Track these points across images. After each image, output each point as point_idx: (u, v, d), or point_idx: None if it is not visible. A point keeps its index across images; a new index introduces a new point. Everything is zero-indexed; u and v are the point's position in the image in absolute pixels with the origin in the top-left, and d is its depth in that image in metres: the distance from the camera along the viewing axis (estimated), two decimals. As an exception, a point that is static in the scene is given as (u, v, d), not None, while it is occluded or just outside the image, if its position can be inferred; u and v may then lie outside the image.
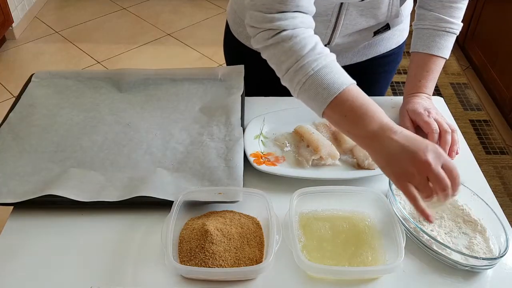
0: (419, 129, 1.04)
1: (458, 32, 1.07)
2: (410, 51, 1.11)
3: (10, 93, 2.73)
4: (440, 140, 1.01)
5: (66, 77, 1.16)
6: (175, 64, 2.97)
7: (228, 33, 1.25)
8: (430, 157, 0.71)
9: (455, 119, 1.13)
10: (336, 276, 0.78)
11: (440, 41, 1.06)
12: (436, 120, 1.02)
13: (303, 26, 0.83)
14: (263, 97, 1.17)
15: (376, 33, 1.11)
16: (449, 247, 0.78)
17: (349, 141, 0.98)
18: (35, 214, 0.87)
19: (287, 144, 1.01)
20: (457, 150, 1.01)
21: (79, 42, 3.21)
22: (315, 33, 1.05)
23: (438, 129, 1.01)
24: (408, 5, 1.13)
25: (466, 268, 0.78)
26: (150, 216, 0.86)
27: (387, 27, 1.11)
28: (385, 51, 1.19)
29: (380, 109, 0.78)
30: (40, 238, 0.83)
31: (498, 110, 2.64)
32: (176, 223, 0.80)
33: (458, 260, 0.78)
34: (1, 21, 2.91)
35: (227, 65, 1.31)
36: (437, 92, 2.75)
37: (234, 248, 0.78)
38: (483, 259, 0.78)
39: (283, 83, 0.85)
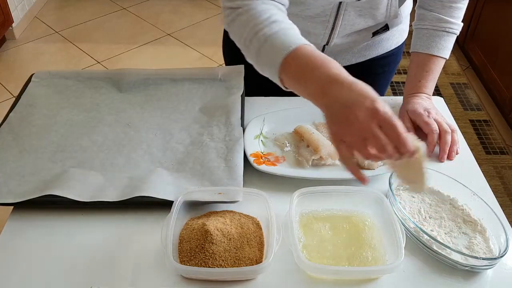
0: (419, 129, 1.04)
1: (458, 32, 1.07)
2: (410, 51, 1.11)
3: (10, 93, 2.73)
4: (440, 140, 1.01)
5: (66, 77, 1.16)
6: (175, 64, 2.97)
7: (226, 33, 1.25)
8: (360, 116, 0.65)
9: (455, 119, 1.13)
10: (336, 276, 0.78)
11: (440, 41, 1.06)
12: (436, 120, 1.02)
13: (265, 2, 0.83)
14: (263, 97, 1.17)
15: (375, 33, 1.11)
16: (449, 247, 0.78)
17: (349, 141, 0.98)
18: (35, 214, 0.87)
19: (287, 144, 1.01)
20: (457, 150, 1.02)
21: (79, 42, 3.21)
22: (314, 34, 1.05)
23: (438, 129, 1.01)
24: (408, 5, 1.13)
25: (466, 268, 0.78)
26: (150, 216, 0.86)
27: (386, 27, 1.11)
28: (384, 52, 1.19)
29: (332, 62, 0.72)
30: (40, 238, 0.83)
31: (498, 110, 2.64)
32: (176, 223, 0.80)
33: (458, 260, 0.78)
34: (1, 21, 2.91)
35: (226, 65, 1.31)
36: (437, 92, 2.75)
37: (234, 248, 0.78)
38: (483, 259, 0.78)
39: (246, 56, 0.83)
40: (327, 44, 1.09)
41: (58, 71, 1.18)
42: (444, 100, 1.20)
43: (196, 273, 0.75)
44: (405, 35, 1.22)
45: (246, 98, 1.13)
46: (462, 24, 1.07)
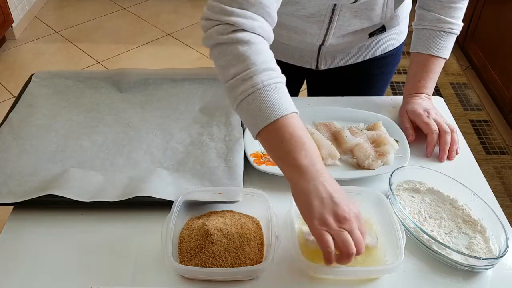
0: (419, 129, 1.04)
1: (458, 32, 1.07)
2: (410, 51, 1.11)
3: (10, 93, 2.73)
4: (440, 140, 1.01)
5: (66, 77, 1.17)
6: (175, 64, 2.97)
7: None
8: (352, 217, 0.69)
9: (455, 119, 1.13)
10: (336, 276, 0.78)
11: (439, 41, 1.06)
12: (435, 121, 1.02)
13: (261, 34, 0.78)
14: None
15: (372, 34, 1.11)
16: (449, 247, 0.78)
17: (349, 141, 0.98)
18: (35, 214, 0.87)
19: (287, 144, 1.01)
20: (457, 150, 1.02)
21: (79, 42, 3.20)
22: (309, 33, 1.05)
23: (437, 129, 1.01)
24: (406, 7, 1.13)
25: (466, 268, 0.78)
26: (150, 216, 0.86)
27: (382, 29, 1.10)
28: (381, 53, 1.19)
29: (316, 148, 0.74)
30: (40, 238, 0.83)
31: (498, 110, 2.64)
32: (176, 223, 0.80)
33: (458, 260, 0.78)
34: (1, 21, 2.91)
35: None
36: (437, 92, 2.75)
37: (234, 248, 0.78)
38: (483, 259, 0.78)
39: (224, 89, 0.79)
40: (322, 44, 1.09)
41: (58, 71, 1.18)
42: (444, 100, 1.20)
43: (196, 273, 0.75)
44: (403, 37, 1.22)
45: (246, 98, 1.12)
46: (462, 24, 1.07)
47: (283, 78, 0.77)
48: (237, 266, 0.76)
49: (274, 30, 1.08)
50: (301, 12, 0.99)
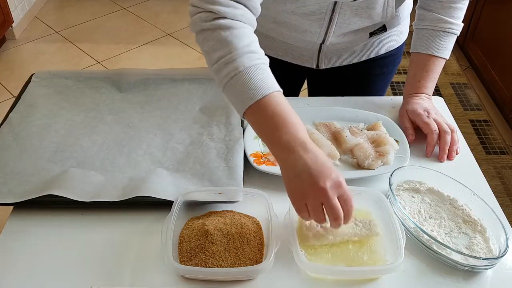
0: (419, 129, 1.04)
1: (458, 33, 1.07)
2: (410, 51, 1.11)
3: (10, 93, 2.73)
4: (440, 140, 1.01)
5: (66, 77, 1.17)
6: (175, 64, 2.97)
7: None
8: (328, 185, 0.71)
9: (455, 119, 1.13)
10: (336, 276, 0.78)
11: (439, 41, 1.06)
12: (435, 121, 1.02)
13: (242, 20, 0.81)
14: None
15: (372, 34, 1.11)
16: (449, 247, 0.78)
17: (349, 141, 0.98)
18: (35, 214, 0.87)
19: (287, 144, 1.01)
20: (457, 150, 1.02)
21: (79, 42, 3.20)
22: (310, 31, 1.05)
23: (437, 129, 1.01)
24: (407, 7, 1.12)
25: (466, 268, 0.78)
26: (150, 216, 0.86)
27: (383, 28, 1.10)
28: (382, 53, 1.19)
29: (300, 123, 0.76)
30: (40, 238, 0.83)
31: (498, 110, 2.64)
32: (176, 223, 0.80)
33: (458, 260, 0.78)
34: (1, 21, 2.91)
35: None
36: (437, 92, 2.75)
37: (234, 248, 0.78)
38: (483, 259, 0.78)
39: (211, 72, 0.82)
40: (323, 42, 1.09)
41: (58, 71, 1.18)
42: (444, 100, 1.20)
43: (196, 273, 0.75)
44: (404, 37, 1.22)
45: (246, 98, 1.12)
46: (462, 24, 1.07)
47: (266, 60, 0.80)
48: (237, 266, 0.76)
49: (275, 29, 1.08)
50: (301, 9, 0.99)
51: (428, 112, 1.04)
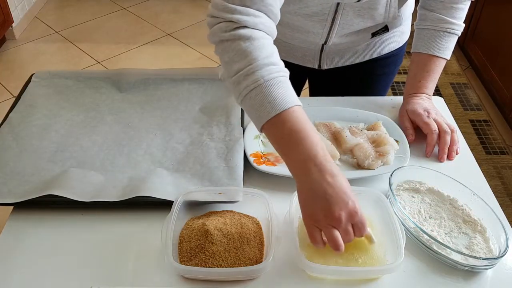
0: (419, 129, 1.04)
1: (459, 33, 1.07)
2: (411, 51, 1.11)
3: (10, 93, 2.73)
4: (439, 140, 1.01)
5: (66, 77, 1.17)
6: (175, 64, 2.97)
7: None
8: (343, 215, 0.69)
9: (455, 119, 1.13)
10: (336, 276, 0.78)
11: (440, 41, 1.06)
12: (435, 121, 1.02)
13: (263, 30, 0.80)
14: (263, 97, 1.17)
15: (374, 34, 1.11)
16: (449, 247, 0.78)
17: (349, 141, 0.98)
18: (35, 214, 0.87)
19: (287, 144, 1.01)
20: (457, 150, 1.02)
21: (79, 42, 3.20)
22: (312, 32, 1.05)
23: (437, 129, 1.01)
24: (409, 7, 1.12)
25: (466, 268, 0.78)
26: (150, 216, 0.86)
27: (385, 29, 1.10)
28: (384, 53, 1.19)
29: (318, 140, 0.74)
30: (40, 238, 0.83)
31: (498, 110, 2.64)
32: (176, 223, 0.80)
33: (458, 260, 0.78)
34: (1, 21, 2.91)
35: None
36: (437, 92, 2.75)
37: (234, 248, 0.78)
38: (483, 259, 0.78)
39: (229, 84, 0.80)
40: (325, 43, 1.09)
41: (58, 71, 1.18)
42: (444, 100, 1.20)
43: (196, 273, 0.75)
44: (406, 37, 1.22)
45: (246, 98, 1.12)
46: (463, 24, 1.07)
47: (286, 72, 0.79)
48: (237, 266, 0.76)
49: (277, 29, 1.08)
50: (304, 10, 1.00)
51: (428, 112, 1.04)
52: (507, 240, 0.79)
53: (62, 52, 3.12)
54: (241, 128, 1.02)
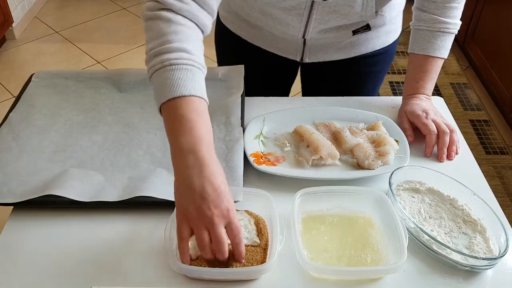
0: (419, 129, 1.04)
1: (456, 31, 1.06)
2: (408, 52, 1.11)
3: (10, 93, 2.73)
4: (438, 141, 1.01)
5: (66, 77, 1.16)
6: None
7: (218, 33, 1.25)
8: (216, 214, 0.68)
9: (455, 119, 1.13)
10: (338, 276, 0.78)
11: (436, 41, 1.06)
12: (434, 121, 1.02)
13: (188, 17, 0.80)
14: (263, 97, 1.17)
15: (356, 32, 1.11)
16: (449, 247, 0.78)
17: (349, 141, 0.98)
18: (35, 214, 0.87)
19: (287, 144, 1.01)
20: (456, 150, 1.02)
21: (79, 42, 3.21)
22: (291, 25, 1.06)
23: (435, 130, 1.01)
24: (394, 7, 1.11)
25: (466, 268, 0.78)
26: (150, 216, 0.86)
27: (367, 27, 1.10)
28: (369, 51, 1.18)
29: (207, 137, 0.73)
30: (40, 238, 0.83)
31: (498, 110, 2.64)
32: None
33: (458, 260, 0.78)
34: (1, 21, 2.91)
35: (218, 64, 1.31)
36: (437, 92, 2.75)
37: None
38: (483, 259, 0.78)
39: (145, 62, 0.81)
40: (303, 37, 1.10)
41: (58, 71, 1.18)
42: (444, 100, 1.20)
43: (200, 273, 0.75)
44: (393, 37, 1.21)
45: (246, 98, 1.13)
46: (460, 22, 1.07)
47: (198, 64, 0.79)
48: (240, 266, 0.76)
49: (262, 19, 1.09)
50: (282, 4, 1.00)
51: (426, 113, 1.04)
52: (507, 240, 0.79)
53: (62, 52, 3.12)
54: (241, 128, 1.02)
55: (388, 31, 1.17)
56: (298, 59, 1.17)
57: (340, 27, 1.07)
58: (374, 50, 1.19)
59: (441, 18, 1.04)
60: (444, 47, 1.07)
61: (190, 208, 0.69)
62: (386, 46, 1.20)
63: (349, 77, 1.24)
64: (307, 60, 1.17)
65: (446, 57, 1.08)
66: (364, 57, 1.19)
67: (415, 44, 1.08)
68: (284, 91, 1.34)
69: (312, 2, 0.99)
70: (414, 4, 1.09)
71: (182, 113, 0.73)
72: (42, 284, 0.76)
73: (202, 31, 0.84)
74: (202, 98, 0.76)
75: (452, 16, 1.05)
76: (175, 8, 0.79)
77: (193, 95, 0.75)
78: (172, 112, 0.74)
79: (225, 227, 0.70)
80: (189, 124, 0.72)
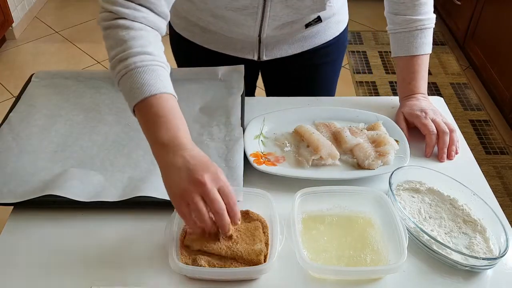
0: (418, 130, 1.04)
1: (432, 25, 1.07)
2: (392, 57, 1.12)
3: (10, 93, 2.73)
4: (438, 141, 1.01)
5: (66, 77, 1.16)
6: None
7: (171, 29, 1.25)
8: (206, 178, 0.70)
9: (455, 119, 1.13)
10: (338, 276, 0.78)
11: (416, 40, 1.06)
12: (433, 121, 1.02)
13: (143, 22, 0.82)
14: (263, 97, 1.17)
15: (308, 25, 1.11)
16: (449, 247, 0.78)
17: (349, 141, 0.98)
18: (35, 214, 0.87)
19: (287, 144, 1.01)
20: (456, 150, 1.02)
21: (79, 42, 3.21)
22: (246, 25, 1.06)
23: (435, 130, 1.01)
24: None
25: (466, 268, 0.79)
26: (150, 216, 0.86)
27: (318, 19, 1.11)
28: (322, 43, 1.19)
29: (183, 126, 0.76)
30: (40, 238, 0.83)
31: (498, 110, 2.64)
32: (180, 222, 0.80)
33: (458, 260, 0.78)
34: (1, 21, 2.91)
35: (176, 62, 1.32)
36: (437, 92, 2.75)
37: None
38: (483, 259, 0.78)
39: (110, 70, 0.83)
40: (259, 35, 1.10)
41: (58, 71, 1.18)
42: (444, 100, 1.20)
43: (200, 273, 0.75)
44: (343, 25, 1.22)
45: (246, 98, 1.13)
46: (434, 15, 1.07)
47: (161, 63, 0.81)
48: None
49: (215, 23, 1.09)
50: (234, 4, 1.00)
51: (425, 113, 1.04)
52: (507, 240, 0.79)
53: (62, 52, 3.12)
54: (241, 128, 1.02)
55: (337, 21, 1.19)
56: (255, 58, 1.18)
57: (293, 22, 1.08)
58: (327, 40, 1.20)
59: (414, 17, 1.05)
60: (425, 43, 1.07)
61: (181, 184, 0.71)
62: (337, 36, 1.21)
63: (308, 70, 1.25)
64: (264, 58, 1.17)
65: (430, 51, 1.08)
66: (318, 49, 1.20)
67: (397, 48, 1.09)
68: (248, 92, 1.33)
69: (265, 0, 1.00)
70: (385, 9, 1.10)
71: (154, 111, 0.76)
72: (42, 284, 0.76)
73: (159, 32, 0.86)
74: (171, 93, 0.79)
75: (424, 12, 1.06)
76: (130, 17, 0.81)
77: (162, 93, 0.77)
78: (145, 111, 0.77)
79: (219, 191, 0.71)
80: (163, 119, 0.75)
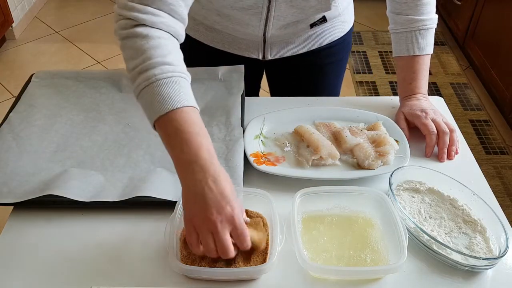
0: (418, 130, 1.04)
1: (434, 25, 1.07)
2: (393, 57, 1.12)
3: (10, 93, 2.73)
4: (438, 141, 1.01)
5: (66, 77, 1.16)
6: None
7: None
8: (218, 220, 0.69)
9: (455, 119, 1.13)
10: (338, 276, 0.78)
11: (417, 40, 1.06)
12: (433, 121, 1.02)
13: (164, 29, 0.80)
14: (263, 97, 1.17)
15: (313, 25, 1.11)
16: (449, 247, 0.78)
17: (349, 141, 0.99)
18: (35, 214, 0.87)
19: (287, 144, 1.01)
20: (456, 150, 1.02)
21: (79, 42, 3.20)
22: (251, 25, 1.06)
23: (435, 130, 1.01)
24: None
25: (466, 268, 0.79)
26: (150, 216, 0.86)
27: (323, 19, 1.11)
28: (327, 42, 1.19)
29: (205, 143, 0.74)
30: (40, 238, 0.83)
31: (498, 110, 2.64)
32: (180, 222, 0.80)
33: (458, 260, 0.78)
34: (1, 21, 2.91)
35: None
36: (437, 92, 2.75)
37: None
38: (483, 259, 0.78)
39: (130, 82, 0.81)
40: (264, 35, 1.10)
41: (58, 71, 1.18)
42: (444, 100, 1.20)
43: (200, 273, 0.75)
44: (349, 25, 1.22)
45: (246, 98, 1.13)
46: (436, 16, 1.07)
47: (182, 73, 0.78)
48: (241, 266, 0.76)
49: (220, 22, 1.08)
50: (239, 4, 1.00)
51: (426, 113, 1.04)
52: (507, 240, 0.79)
53: (62, 52, 3.12)
54: (241, 128, 1.02)
55: (342, 20, 1.18)
56: (260, 57, 1.18)
57: (298, 21, 1.07)
58: (332, 41, 1.20)
59: (416, 17, 1.05)
60: (426, 44, 1.07)
61: (195, 215, 0.71)
62: (343, 36, 1.21)
63: (310, 69, 1.25)
64: (269, 57, 1.17)
65: (431, 52, 1.08)
66: (323, 49, 1.20)
67: (398, 47, 1.09)
68: (252, 91, 1.33)
69: (270, 0, 1.00)
70: (388, 8, 1.10)
71: (176, 126, 0.73)
72: (42, 284, 0.76)
73: (177, 39, 0.84)
74: (193, 106, 0.76)
75: (426, 12, 1.06)
76: (148, 23, 0.78)
77: (184, 106, 0.75)
78: (167, 127, 0.74)
79: (230, 233, 0.71)
80: (185, 135, 0.73)
